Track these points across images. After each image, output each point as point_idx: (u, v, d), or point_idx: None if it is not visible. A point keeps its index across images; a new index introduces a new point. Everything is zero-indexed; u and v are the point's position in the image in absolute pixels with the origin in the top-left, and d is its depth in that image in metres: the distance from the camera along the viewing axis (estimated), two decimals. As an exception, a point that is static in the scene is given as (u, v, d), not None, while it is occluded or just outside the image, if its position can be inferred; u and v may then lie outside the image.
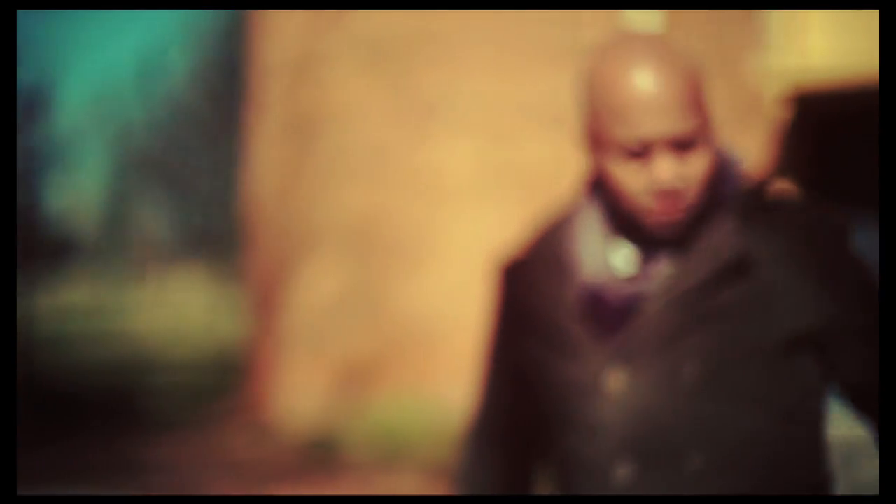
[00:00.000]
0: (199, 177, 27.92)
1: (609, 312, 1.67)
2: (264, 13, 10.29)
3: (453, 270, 9.18)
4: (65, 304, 32.11)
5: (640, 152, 1.62)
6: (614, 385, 1.65)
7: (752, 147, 8.69)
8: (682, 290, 1.65)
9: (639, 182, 1.63)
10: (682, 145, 1.63)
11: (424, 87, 9.48)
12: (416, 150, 9.46)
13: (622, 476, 1.64)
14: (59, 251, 44.74)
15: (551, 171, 8.77)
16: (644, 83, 1.61)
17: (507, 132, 9.30)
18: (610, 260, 1.68)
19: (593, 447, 1.66)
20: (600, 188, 1.72)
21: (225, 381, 12.61)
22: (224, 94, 25.49)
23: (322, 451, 8.83)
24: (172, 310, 28.03)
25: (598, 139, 1.66)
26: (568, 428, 1.69)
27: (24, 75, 29.72)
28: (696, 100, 1.62)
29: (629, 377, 1.65)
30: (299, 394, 9.71)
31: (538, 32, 9.22)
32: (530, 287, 1.74)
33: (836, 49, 8.03)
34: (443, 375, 8.87)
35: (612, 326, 1.66)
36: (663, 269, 1.65)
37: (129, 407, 11.84)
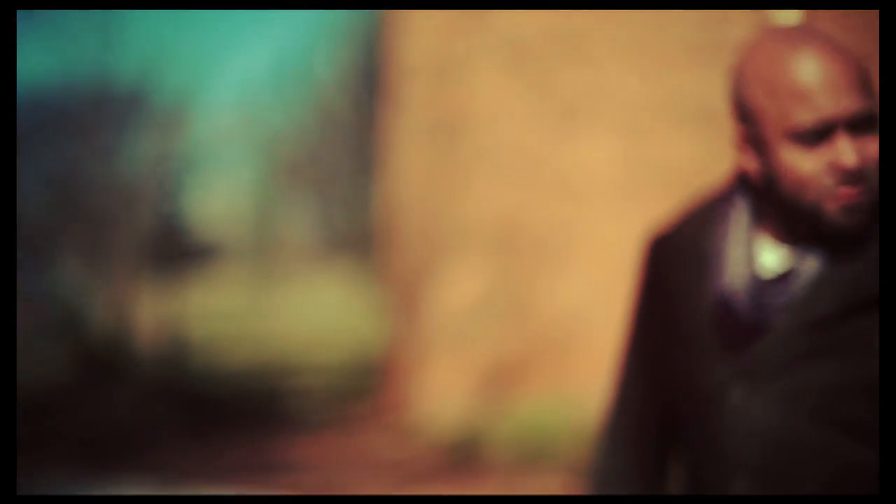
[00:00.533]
0: (342, 179, 28.17)
1: (741, 323, 1.65)
2: (403, 15, 10.32)
3: (596, 270, 9.13)
4: (215, 306, 32.66)
5: (821, 136, 1.62)
6: (736, 400, 1.64)
7: None
8: (817, 316, 1.63)
9: (819, 167, 1.62)
10: (860, 127, 1.63)
11: (565, 86, 9.43)
12: (557, 150, 9.43)
13: (739, 491, 1.64)
14: (207, 255, 45.54)
15: (694, 169, 8.67)
16: (823, 64, 1.62)
17: (649, 130, 9.23)
18: (756, 260, 1.66)
19: (713, 458, 1.66)
20: (748, 186, 1.69)
21: (367, 383, 12.68)
22: (364, 96, 25.68)
23: (464, 452, 8.82)
24: (317, 311, 28.34)
25: (769, 130, 1.64)
26: (692, 433, 1.68)
27: (166, 81, 30.27)
28: (868, 81, 1.63)
29: (751, 394, 1.65)
30: (441, 395, 9.73)
31: (678, 30, 9.13)
32: (671, 275, 1.72)
33: None
34: (587, 376, 8.81)
35: (743, 338, 1.65)
36: (810, 271, 1.63)
37: (273, 408, 11.97)
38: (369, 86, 25.10)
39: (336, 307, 27.67)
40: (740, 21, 8.67)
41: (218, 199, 45.53)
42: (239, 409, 11.97)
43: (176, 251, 28.46)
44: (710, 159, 8.29)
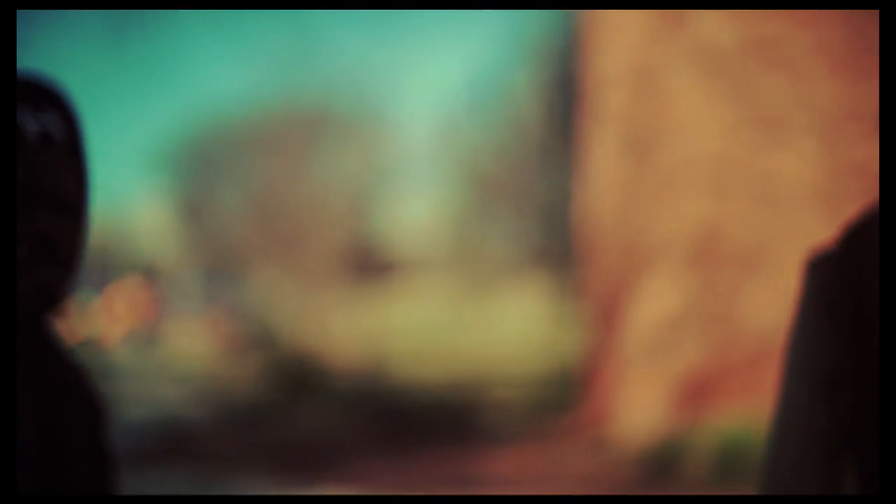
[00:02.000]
0: (538, 192, 28.20)
1: None
2: (599, 26, 10.27)
3: (797, 281, 8.95)
4: (413, 320, 32.98)
5: None
6: None
7: None
8: None
9: None
10: None
11: (764, 93, 9.28)
12: (757, 159, 9.27)
13: None
14: (404, 269, 45.99)
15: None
16: None
17: (848, 137, 9.02)
18: None
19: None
20: None
21: (565, 396, 12.63)
22: (558, 108, 25.66)
23: (662, 464, 8.73)
24: (515, 324, 28.40)
25: None
26: (861, 442, 1.65)
27: (361, 97, 30.70)
28: None
29: None
30: (640, 408, 9.64)
31: (872, 35, 8.91)
32: (844, 285, 1.68)
33: None
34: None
35: None
36: None
37: (471, 420, 12.02)
38: (565, 97, 25.10)
39: (534, 320, 27.67)
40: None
41: (414, 212, 46.01)
42: (436, 422, 12.05)
43: (372, 265, 28.84)
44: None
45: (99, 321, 34.41)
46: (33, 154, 1.64)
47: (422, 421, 12.12)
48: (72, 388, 1.73)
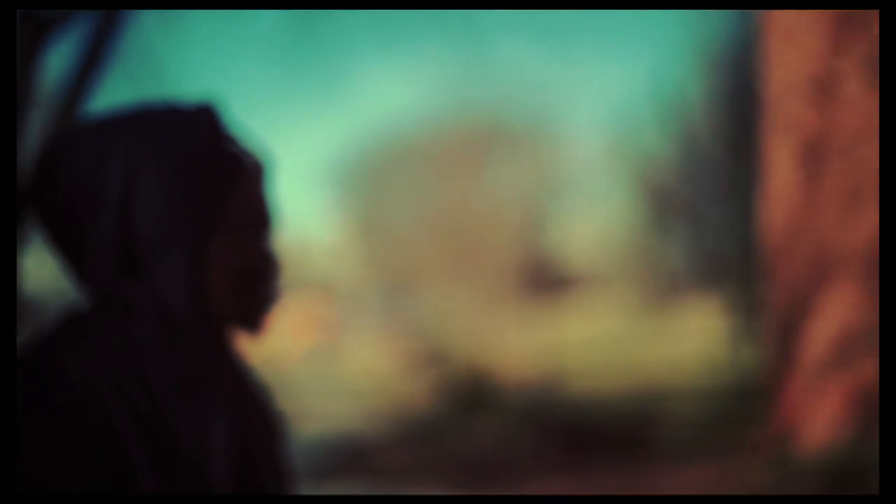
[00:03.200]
0: (715, 205, 27.91)
1: None
2: (776, 35, 10.10)
3: None
4: (589, 334, 32.91)
5: None
6: None
7: None
8: None
9: None
10: None
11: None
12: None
13: None
14: (579, 283, 45.91)
15: None
16: None
17: None
18: None
19: None
20: None
21: (744, 411, 12.46)
22: (735, 119, 25.39)
23: (843, 481, 8.57)
24: (692, 338, 28.14)
25: None
26: None
27: (530, 109, 30.71)
28: None
29: None
30: (821, 423, 9.47)
31: None
32: None
33: None
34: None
35: None
36: None
37: (649, 435, 11.92)
38: (741, 107, 24.81)
39: (711, 335, 27.37)
40: None
41: (588, 226, 45.89)
42: (613, 436, 11.98)
43: (547, 279, 28.83)
44: None
45: (278, 339, 35.13)
46: (256, 181, 1.71)
47: (597, 435, 12.07)
48: (257, 406, 1.79)
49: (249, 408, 1.76)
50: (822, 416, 9.49)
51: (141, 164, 1.62)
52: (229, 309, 1.66)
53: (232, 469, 1.64)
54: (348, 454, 13.34)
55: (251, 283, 1.68)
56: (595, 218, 43.50)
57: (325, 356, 42.49)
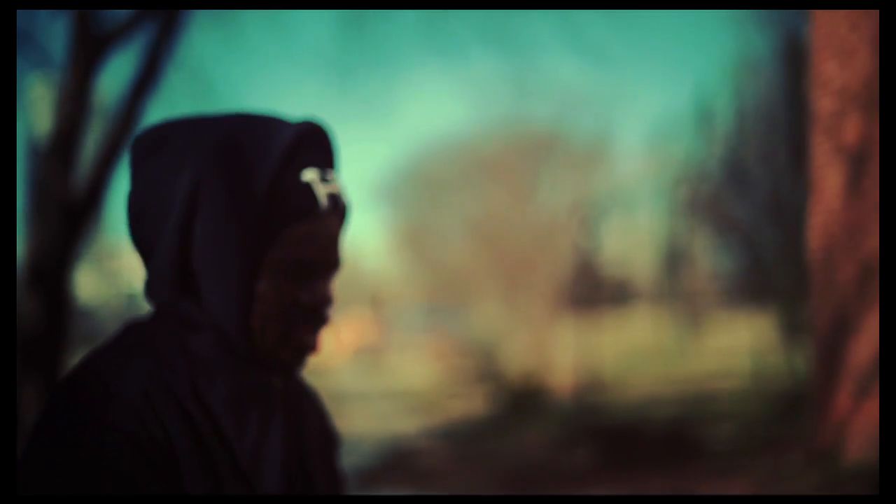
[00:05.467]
0: (760, 222, 27.79)
1: None
2: (826, 51, 10.07)
3: None
4: (633, 347, 32.81)
5: None
6: None
7: None
8: None
9: None
10: None
11: None
12: None
13: None
14: (625, 296, 45.75)
15: None
16: None
17: None
18: None
19: None
20: None
21: (789, 429, 12.45)
22: (781, 138, 25.28)
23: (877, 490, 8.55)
24: (733, 355, 28.00)
25: None
26: None
27: (581, 123, 30.69)
28: None
29: None
30: (865, 437, 9.47)
31: None
32: None
33: None
34: None
35: None
36: None
37: (694, 452, 11.93)
38: (790, 126, 24.71)
39: (758, 348, 27.23)
40: None
41: (635, 239, 45.76)
42: (657, 449, 12.00)
43: (594, 293, 28.81)
44: None
45: (326, 347, 35.13)
46: (330, 221, 1.65)
47: (642, 446, 12.10)
48: (312, 413, 1.82)
49: (304, 423, 1.77)
50: (865, 430, 9.49)
51: (208, 181, 1.58)
52: (272, 342, 1.63)
53: (285, 482, 1.64)
54: (393, 458, 13.42)
55: (289, 327, 1.64)
56: (643, 233, 43.39)
57: (371, 363, 42.51)
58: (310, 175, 1.61)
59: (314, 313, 1.64)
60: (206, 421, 1.57)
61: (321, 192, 1.62)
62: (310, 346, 1.65)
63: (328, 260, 1.65)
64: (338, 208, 1.64)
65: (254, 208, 1.56)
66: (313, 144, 1.64)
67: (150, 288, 1.62)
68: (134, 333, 1.63)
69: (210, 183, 1.57)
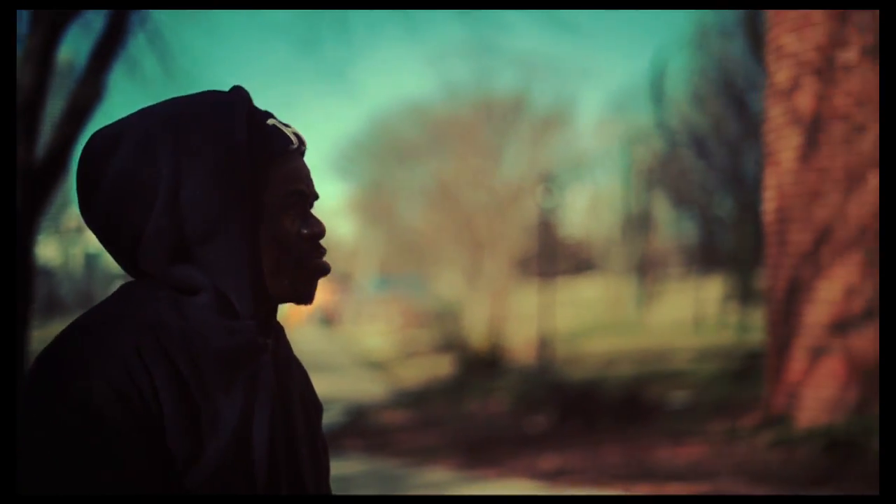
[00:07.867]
0: (716, 191, 27.91)
1: None
2: (782, 27, 10.13)
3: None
4: (592, 317, 32.89)
5: None
6: None
7: None
8: None
9: None
10: None
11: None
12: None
13: None
14: (584, 266, 45.82)
15: None
16: None
17: None
18: None
19: None
20: None
21: (748, 393, 12.59)
22: (736, 111, 25.37)
23: (840, 453, 8.70)
24: (685, 321, 28.15)
25: None
26: None
27: (545, 90, 30.66)
28: None
29: None
30: (817, 403, 9.60)
31: None
32: None
33: None
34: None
35: None
36: None
37: (657, 415, 12.04)
38: (744, 99, 24.83)
39: (709, 316, 27.42)
40: None
41: (595, 206, 45.89)
42: (614, 411, 12.11)
43: (555, 259, 28.90)
44: None
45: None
46: (296, 156, 1.75)
47: (605, 413, 12.20)
48: (298, 378, 1.87)
49: (291, 387, 1.80)
50: (817, 394, 9.63)
51: (186, 153, 1.63)
52: (282, 284, 1.70)
53: (270, 443, 1.67)
54: (355, 421, 13.47)
55: (302, 256, 1.71)
56: (603, 199, 43.49)
57: (329, 334, 42.42)
58: (272, 121, 1.72)
59: (317, 241, 1.73)
60: (196, 379, 1.60)
61: (288, 131, 1.73)
62: (325, 269, 1.74)
63: (312, 192, 1.75)
64: (302, 145, 1.75)
65: (238, 159, 1.65)
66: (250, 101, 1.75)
67: (144, 262, 1.67)
68: (129, 294, 1.67)
69: (189, 152, 1.64)
